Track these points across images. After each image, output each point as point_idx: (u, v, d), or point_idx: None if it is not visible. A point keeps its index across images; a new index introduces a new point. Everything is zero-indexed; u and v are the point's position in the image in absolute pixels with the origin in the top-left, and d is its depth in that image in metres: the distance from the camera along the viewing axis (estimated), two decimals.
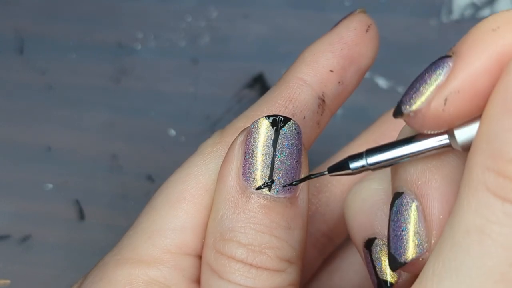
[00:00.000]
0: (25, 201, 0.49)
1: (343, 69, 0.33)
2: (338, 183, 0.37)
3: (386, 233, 0.29)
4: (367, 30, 0.33)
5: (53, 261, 0.48)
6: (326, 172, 0.28)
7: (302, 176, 0.29)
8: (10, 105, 0.52)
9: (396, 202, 0.27)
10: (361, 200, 0.31)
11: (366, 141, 0.37)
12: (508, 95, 0.22)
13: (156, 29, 0.53)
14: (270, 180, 0.28)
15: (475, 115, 0.24)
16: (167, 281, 0.29)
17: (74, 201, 0.49)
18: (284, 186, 0.28)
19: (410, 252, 0.27)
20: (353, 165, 0.27)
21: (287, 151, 0.28)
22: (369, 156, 0.27)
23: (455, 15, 0.51)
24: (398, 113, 0.25)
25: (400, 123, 0.26)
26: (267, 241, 0.28)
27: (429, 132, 0.25)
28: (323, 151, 0.39)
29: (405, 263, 0.27)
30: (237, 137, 0.29)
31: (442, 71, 0.24)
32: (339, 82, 0.33)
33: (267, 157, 0.28)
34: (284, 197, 0.28)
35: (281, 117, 0.29)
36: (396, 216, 0.27)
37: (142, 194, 0.49)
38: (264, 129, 0.28)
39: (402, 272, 0.30)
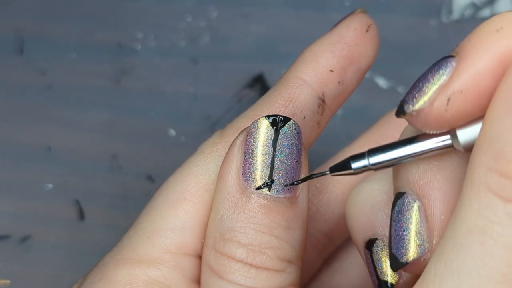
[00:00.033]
0: (25, 201, 0.49)
1: (343, 69, 0.33)
2: (339, 183, 0.37)
3: (387, 234, 0.29)
4: (367, 30, 0.33)
5: (53, 261, 0.48)
6: (328, 172, 0.28)
7: (302, 176, 0.29)
8: (10, 105, 0.52)
9: (398, 202, 0.27)
10: (362, 200, 0.31)
11: (367, 141, 0.37)
12: (511, 95, 0.22)
13: (156, 29, 0.52)
14: (270, 180, 0.28)
15: (478, 116, 0.24)
16: (167, 281, 0.29)
17: (74, 201, 0.49)
18: (286, 185, 0.28)
19: (412, 252, 0.27)
20: (355, 165, 0.27)
21: (287, 151, 0.28)
22: (371, 156, 0.27)
23: (455, 15, 0.51)
24: (400, 112, 0.25)
25: (401, 124, 0.26)
26: (267, 241, 0.28)
27: (431, 132, 0.25)
28: (323, 151, 0.39)
29: (406, 263, 0.27)
30: (237, 137, 0.29)
31: (445, 71, 0.24)
32: (339, 82, 0.33)
33: (267, 157, 0.28)
34: (284, 197, 0.28)
35: (281, 117, 0.29)
36: (398, 216, 0.27)
37: (142, 194, 0.49)
38: (264, 129, 0.28)
39: (403, 272, 0.30)
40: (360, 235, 0.31)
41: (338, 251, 0.39)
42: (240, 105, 0.50)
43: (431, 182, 0.26)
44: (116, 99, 0.51)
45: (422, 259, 0.26)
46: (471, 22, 0.50)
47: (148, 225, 0.30)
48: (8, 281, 0.47)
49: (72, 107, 0.51)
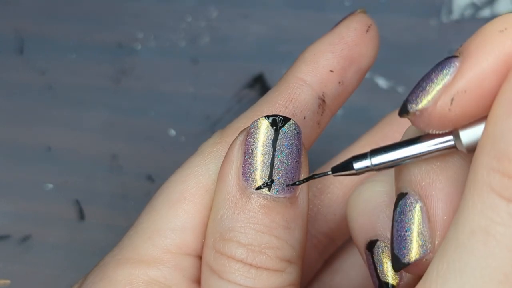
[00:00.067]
0: (25, 201, 0.49)
1: (343, 69, 0.33)
2: (340, 184, 0.37)
3: (388, 235, 0.29)
4: (367, 30, 0.33)
5: (53, 261, 0.48)
6: (330, 172, 0.28)
7: (302, 175, 0.29)
8: (10, 105, 0.52)
9: (400, 202, 0.27)
10: (364, 201, 0.31)
11: (368, 143, 0.37)
12: None
13: (156, 29, 0.52)
14: (270, 180, 0.28)
15: (481, 116, 0.24)
16: (167, 281, 0.29)
17: (74, 201, 0.49)
18: (287, 185, 0.28)
19: (414, 252, 0.27)
20: (357, 165, 0.27)
21: (286, 151, 0.28)
22: (373, 157, 0.27)
23: (455, 15, 0.51)
24: (404, 111, 0.25)
25: (402, 125, 0.26)
26: (267, 241, 0.28)
27: (434, 132, 0.25)
28: (323, 151, 0.39)
29: (408, 264, 0.27)
30: (237, 137, 0.29)
31: (449, 70, 0.24)
32: (339, 82, 0.33)
33: (267, 157, 0.28)
34: (284, 197, 0.28)
35: (280, 117, 0.29)
36: (400, 217, 0.27)
37: (142, 194, 0.49)
38: (264, 129, 0.28)
39: (403, 274, 0.30)
40: (361, 236, 0.31)
41: (339, 251, 0.39)
42: (240, 105, 0.50)
43: (433, 183, 0.26)
44: (116, 99, 0.51)
45: (424, 260, 0.26)
46: (471, 22, 0.50)
47: (149, 225, 0.30)
48: (8, 281, 0.47)
49: (72, 107, 0.51)
